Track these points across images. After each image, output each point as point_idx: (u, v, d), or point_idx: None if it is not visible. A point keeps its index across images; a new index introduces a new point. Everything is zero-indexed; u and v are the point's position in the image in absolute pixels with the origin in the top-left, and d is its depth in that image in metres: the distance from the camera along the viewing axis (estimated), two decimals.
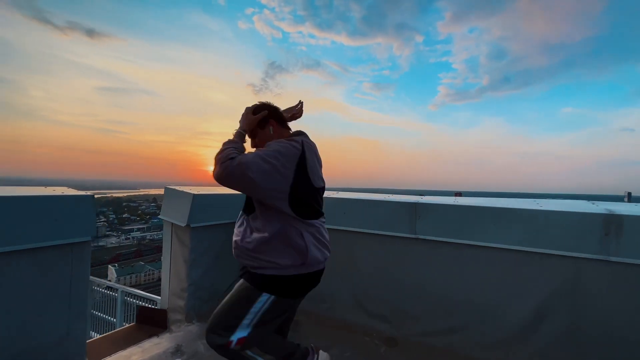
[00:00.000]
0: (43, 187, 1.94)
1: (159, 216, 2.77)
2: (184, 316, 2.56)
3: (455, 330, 2.21)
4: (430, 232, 2.29)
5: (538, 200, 2.29)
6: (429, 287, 2.31)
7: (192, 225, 2.51)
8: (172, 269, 2.68)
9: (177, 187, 2.68)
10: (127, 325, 2.82)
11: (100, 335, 2.45)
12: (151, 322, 2.72)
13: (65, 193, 1.81)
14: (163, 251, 2.81)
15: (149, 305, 4.74)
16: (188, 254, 2.55)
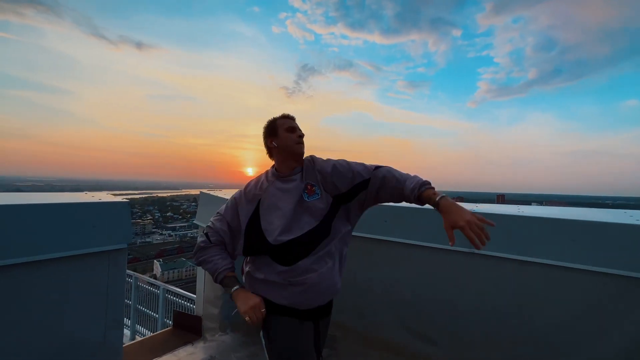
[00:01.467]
0: (83, 193, 1.96)
1: (194, 220, 2.74)
2: (218, 325, 2.49)
3: None
4: (489, 247, 1.98)
5: (630, 212, 1.88)
6: (488, 309, 2.00)
7: None
8: (206, 276, 2.63)
9: (212, 192, 2.63)
10: (164, 330, 2.82)
11: (138, 340, 2.45)
12: (187, 328, 2.69)
13: (102, 199, 1.79)
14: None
15: (187, 304, 4.84)
16: None
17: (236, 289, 1.26)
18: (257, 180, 1.42)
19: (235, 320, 2.53)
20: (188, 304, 5.08)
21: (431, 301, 2.21)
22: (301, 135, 1.39)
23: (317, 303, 1.31)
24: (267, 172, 1.44)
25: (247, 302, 1.23)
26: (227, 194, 2.55)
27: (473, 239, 1.07)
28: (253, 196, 1.36)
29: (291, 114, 1.45)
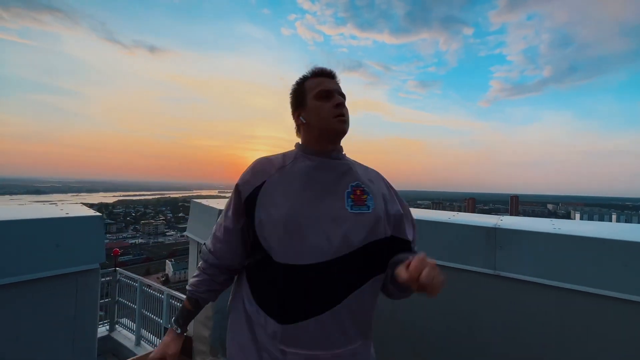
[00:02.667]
0: (54, 205, 1.75)
1: (184, 233, 2.52)
2: (209, 348, 2.25)
3: None
4: (515, 269, 1.69)
5: None
6: (516, 341, 1.70)
7: None
8: None
9: (204, 201, 2.40)
10: (149, 351, 2.60)
11: None
12: (186, 352, 2.47)
13: (70, 214, 1.58)
14: (189, 270, 2.56)
15: None
16: None
17: (173, 329, 0.97)
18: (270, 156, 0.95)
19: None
20: None
21: (449, 329, 1.92)
22: (340, 104, 0.90)
23: None
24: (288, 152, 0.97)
25: (164, 349, 0.95)
26: (219, 203, 2.32)
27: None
28: (258, 172, 0.88)
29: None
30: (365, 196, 0.88)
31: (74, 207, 1.75)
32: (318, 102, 0.89)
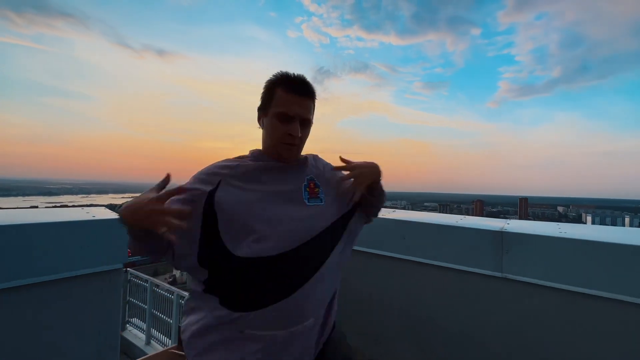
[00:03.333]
0: (77, 209, 1.85)
1: None
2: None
3: None
4: (522, 272, 1.73)
5: None
6: (518, 343, 1.74)
7: None
8: None
9: None
10: (166, 349, 2.69)
11: None
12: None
13: (96, 216, 1.67)
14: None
15: None
16: None
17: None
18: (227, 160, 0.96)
19: None
20: None
21: (457, 331, 1.96)
22: (293, 134, 0.89)
23: None
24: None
25: (141, 205, 0.76)
26: None
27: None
28: (212, 175, 0.90)
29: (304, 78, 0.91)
30: (317, 189, 0.95)
31: (99, 210, 1.85)
32: (275, 121, 0.89)
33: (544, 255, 1.67)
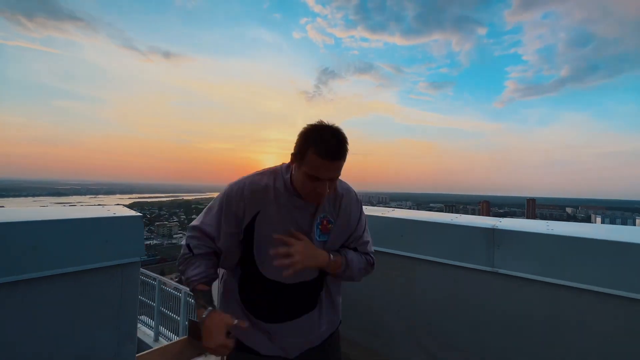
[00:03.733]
0: (99, 207, 2.01)
1: None
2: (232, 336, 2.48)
3: None
4: (513, 266, 1.83)
5: None
6: (512, 333, 1.85)
7: None
8: (220, 286, 2.63)
9: None
10: (179, 339, 2.84)
11: (150, 350, 2.48)
12: (201, 338, 2.70)
13: (116, 214, 1.82)
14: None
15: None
16: None
17: (208, 313, 1.00)
18: (263, 177, 1.08)
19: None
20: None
21: (452, 323, 2.07)
22: (321, 194, 0.98)
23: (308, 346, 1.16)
24: (278, 171, 1.10)
25: (214, 339, 0.96)
26: None
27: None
28: (257, 199, 1.05)
29: (336, 147, 0.93)
30: (330, 225, 1.11)
31: (117, 207, 2.00)
32: (306, 179, 0.97)
33: (533, 250, 1.78)
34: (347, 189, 1.16)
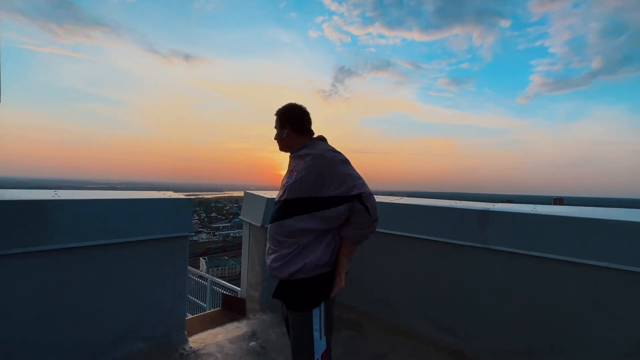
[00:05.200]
0: (156, 192, 2.46)
1: (239, 217, 3.18)
2: (259, 306, 2.89)
3: (532, 353, 2.00)
4: (503, 243, 2.13)
5: None
6: (502, 302, 2.14)
7: (266, 226, 2.83)
8: (249, 264, 3.05)
9: (255, 192, 3.05)
10: (214, 310, 3.30)
11: (193, 316, 2.94)
12: (233, 309, 3.13)
13: (171, 196, 2.27)
14: (243, 247, 3.22)
15: (231, 294, 5.42)
16: (262, 251, 2.88)
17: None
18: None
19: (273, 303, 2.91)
20: (233, 295, 5.64)
21: (450, 293, 2.38)
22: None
23: None
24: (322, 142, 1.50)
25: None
26: (268, 194, 2.96)
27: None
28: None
29: (310, 114, 1.51)
30: (294, 172, 1.40)
31: (170, 193, 2.46)
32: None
33: (520, 228, 2.07)
34: (313, 153, 1.40)
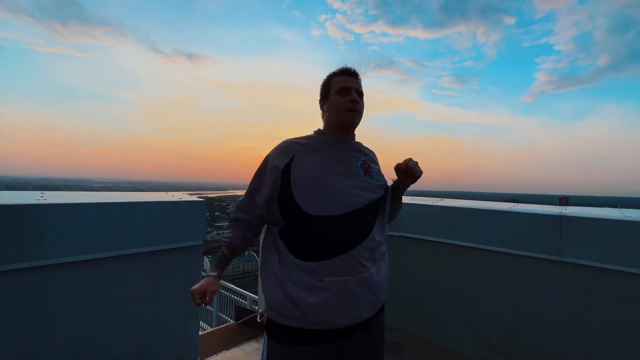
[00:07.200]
0: (163, 193, 2.11)
1: None
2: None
3: None
4: (584, 255, 1.75)
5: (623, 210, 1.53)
6: (583, 329, 1.76)
7: None
8: None
9: None
10: (226, 324, 2.95)
11: (204, 332, 2.59)
12: (248, 324, 2.78)
13: (182, 199, 1.91)
14: (260, 254, 2.86)
15: (238, 299, 5.10)
16: None
17: (207, 276, 1.09)
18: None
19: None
20: (239, 299, 5.32)
21: (506, 311, 2.01)
22: (354, 100, 1.12)
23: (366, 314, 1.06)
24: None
25: (200, 285, 1.05)
26: None
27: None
28: (287, 149, 1.11)
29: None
30: (370, 169, 1.17)
31: (181, 194, 2.11)
32: (337, 97, 1.13)
33: (605, 237, 1.69)
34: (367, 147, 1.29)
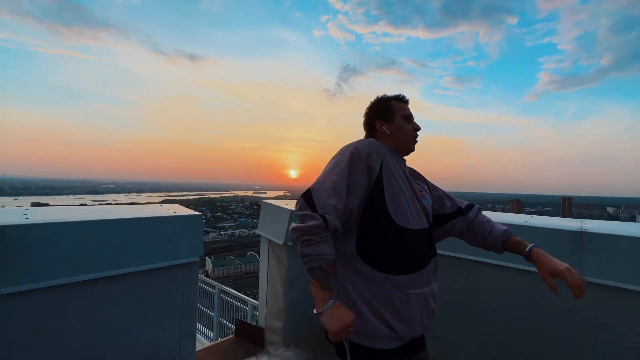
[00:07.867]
0: (157, 206, 2.00)
1: (256, 231, 2.71)
2: (282, 339, 2.42)
3: None
4: (607, 275, 1.63)
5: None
6: (604, 352, 1.64)
7: (289, 244, 2.36)
8: (269, 287, 2.58)
9: (274, 202, 2.57)
10: (226, 338, 2.83)
11: (204, 347, 2.48)
12: (249, 338, 2.67)
13: (177, 212, 1.81)
14: (260, 266, 2.75)
15: (240, 304, 4.98)
16: (285, 274, 2.41)
17: (334, 303, 0.94)
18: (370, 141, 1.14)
19: (299, 335, 2.44)
20: (241, 305, 5.23)
21: (519, 329, 1.89)
22: (417, 129, 1.23)
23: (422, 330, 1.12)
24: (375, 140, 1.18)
25: (340, 319, 0.91)
26: (290, 205, 2.48)
27: (579, 286, 1.07)
28: (378, 149, 1.11)
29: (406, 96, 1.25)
30: (423, 193, 1.24)
31: (173, 206, 2.00)
32: (405, 123, 1.21)
33: (631, 255, 1.56)
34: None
